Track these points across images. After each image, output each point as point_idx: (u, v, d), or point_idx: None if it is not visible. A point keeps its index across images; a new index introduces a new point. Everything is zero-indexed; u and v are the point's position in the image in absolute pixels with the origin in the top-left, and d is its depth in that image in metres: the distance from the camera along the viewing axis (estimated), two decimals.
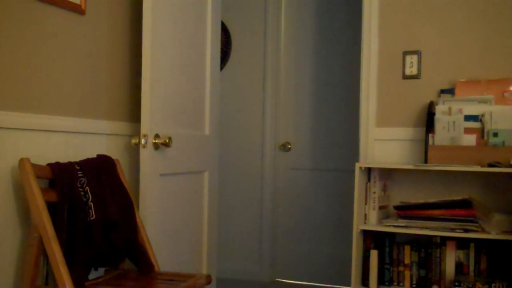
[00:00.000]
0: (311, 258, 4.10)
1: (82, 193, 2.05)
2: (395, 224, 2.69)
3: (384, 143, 3.01)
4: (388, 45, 3.02)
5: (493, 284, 2.53)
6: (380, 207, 2.83)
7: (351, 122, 3.91)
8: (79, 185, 2.05)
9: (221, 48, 3.26)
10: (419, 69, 2.95)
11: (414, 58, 2.95)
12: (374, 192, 2.79)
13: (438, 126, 2.70)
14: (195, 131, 2.84)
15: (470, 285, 2.55)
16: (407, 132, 2.96)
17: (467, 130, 2.66)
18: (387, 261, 2.79)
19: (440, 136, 2.69)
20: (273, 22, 4.19)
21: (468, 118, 2.67)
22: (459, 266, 2.67)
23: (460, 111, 2.69)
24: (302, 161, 4.16)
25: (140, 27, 2.44)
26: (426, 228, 2.63)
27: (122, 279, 2.15)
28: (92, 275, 2.12)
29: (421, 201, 2.70)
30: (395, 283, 2.79)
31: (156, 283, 2.12)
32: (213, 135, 3.02)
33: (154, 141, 2.39)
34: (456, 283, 2.58)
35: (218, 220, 3.23)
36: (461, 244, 2.67)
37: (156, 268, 2.24)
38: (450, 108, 2.71)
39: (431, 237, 2.70)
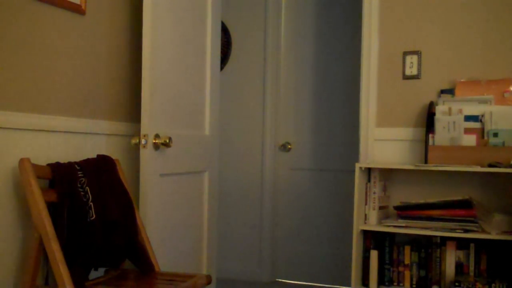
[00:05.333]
0: (311, 258, 4.10)
1: (82, 193, 2.05)
2: (395, 224, 2.69)
3: (384, 143, 3.01)
4: (388, 45, 3.02)
5: (493, 284, 2.53)
6: (380, 207, 2.83)
7: (351, 122, 3.91)
8: (79, 185, 2.05)
9: (221, 48, 3.26)
10: (419, 69, 2.95)
11: (414, 58, 2.95)
12: (374, 192, 2.79)
13: (438, 126, 2.69)
14: (195, 131, 2.84)
15: (470, 285, 2.55)
16: (407, 132, 2.96)
17: (467, 130, 2.66)
18: (387, 261, 2.79)
19: (440, 136, 2.69)
20: (273, 22, 4.18)
21: (468, 118, 2.67)
22: (459, 266, 2.67)
23: (460, 111, 2.69)
24: (302, 161, 4.16)
25: (140, 27, 2.44)
26: (426, 228, 2.63)
27: (122, 279, 2.15)
28: (92, 275, 2.12)
29: (421, 201, 2.70)
30: (395, 283, 2.79)
31: (156, 283, 2.12)
32: (213, 135, 3.02)
33: (154, 141, 2.39)
34: (456, 283, 2.58)
35: (218, 220, 3.23)
36: (461, 244, 2.66)
37: (156, 268, 2.24)
38: (450, 108, 2.71)
39: (431, 237, 2.70)
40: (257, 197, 4.20)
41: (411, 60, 2.96)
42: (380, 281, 2.79)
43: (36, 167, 1.92)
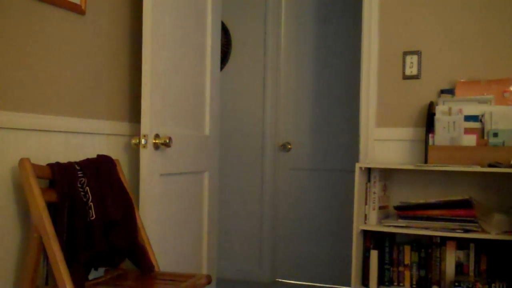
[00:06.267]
0: (311, 258, 4.10)
1: (82, 193, 2.05)
2: (395, 224, 2.69)
3: (384, 143, 3.01)
4: (388, 45, 3.02)
5: (493, 284, 2.53)
6: (380, 207, 2.83)
7: (351, 122, 3.91)
8: (79, 185, 2.05)
9: (221, 48, 3.26)
10: (419, 69, 2.95)
11: (414, 58, 2.95)
12: (374, 192, 2.79)
13: (438, 126, 2.69)
14: (195, 131, 2.84)
15: (470, 285, 2.55)
16: (407, 132, 2.96)
17: (467, 130, 2.66)
18: (387, 261, 2.79)
19: (440, 136, 2.69)
20: (273, 22, 4.19)
21: (468, 118, 2.67)
22: (459, 266, 2.67)
23: (460, 111, 2.68)
24: (302, 161, 4.16)
25: (140, 27, 2.44)
26: (426, 228, 2.63)
27: (122, 279, 2.15)
28: (92, 275, 2.12)
29: (421, 201, 2.70)
30: (395, 283, 2.78)
31: (156, 283, 2.12)
32: (213, 135, 3.02)
33: (154, 141, 2.39)
34: (456, 283, 2.58)
35: (218, 220, 3.23)
36: (461, 244, 2.66)
37: (156, 268, 2.24)
38: (450, 108, 2.71)
39: (431, 237, 2.70)
40: (257, 197, 4.20)
41: (411, 60, 2.96)
42: (380, 281, 2.79)
43: (36, 167, 1.92)
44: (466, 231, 2.55)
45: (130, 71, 2.66)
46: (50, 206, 1.92)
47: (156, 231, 2.44)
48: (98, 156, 2.27)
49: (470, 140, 2.65)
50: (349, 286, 2.77)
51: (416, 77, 2.96)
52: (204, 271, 2.93)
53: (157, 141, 2.40)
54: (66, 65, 2.25)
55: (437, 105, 2.77)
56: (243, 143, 4.25)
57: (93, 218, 2.04)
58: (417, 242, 2.76)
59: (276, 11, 4.20)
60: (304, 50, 4.15)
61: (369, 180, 2.81)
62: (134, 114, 2.66)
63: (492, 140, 2.62)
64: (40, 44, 2.11)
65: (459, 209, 2.61)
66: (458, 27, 2.89)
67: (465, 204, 2.60)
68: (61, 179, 1.99)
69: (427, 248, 2.73)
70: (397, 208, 2.75)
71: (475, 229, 2.56)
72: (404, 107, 2.98)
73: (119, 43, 2.59)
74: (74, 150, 2.28)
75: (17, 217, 2.00)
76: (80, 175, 2.08)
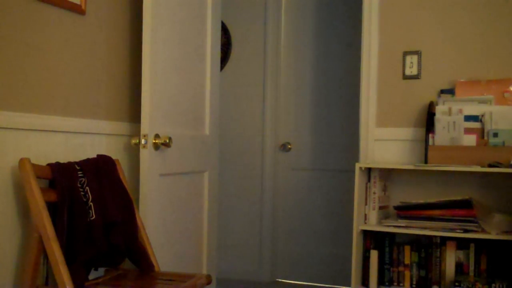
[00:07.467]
0: (311, 258, 4.10)
1: (82, 193, 2.05)
2: (395, 224, 2.69)
3: (384, 143, 3.01)
4: (388, 45, 3.02)
5: (493, 284, 2.53)
6: (380, 207, 2.83)
7: (351, 122, 3.90)
8: (79, 185, 2.05)
9: (221, 48, 3.26)
10: (419, 69, 2.95)
11: (414, 58, 2.95)
12: (374, 192, 2.79)
13: (438, 126, 2.69)
14: (195, 131, 2.84)
15: (470, 285, 2.55)
16: (407, 132, 2.96)
17: (467, 130, 2.66)
18: (387, 261, 2.79)
19: (440, 136, 2.69)
20: (273, 22, 4.19)
21: (468, 118, 2.67)
22: (459, 266, 2.67)
23: (460, 111, 2.68)
24: (302, 161, 4.16)
25: (140, 27, 2.44)
26: (426, 228, 2.63)
27: (122, 279, 2.15)
28: (92, 275, 2.12)
29: (421, 201, 2.70)
30: (395, 283, 2.78)
31: (156, 283, 2.12)
32: (213, 135, 3.02)
33: (154, 141, 2.39)
34: (456, 283, 2.58)
35: (218, 220, 3.23)
36: (461, 244, 2.66)
37: (156, 268, 2.24)
38: (450, 108, 2.71)
39: (431, 237, 2.70)
40: (257, 197, 4.20)
41: (411, 60, 2.96)
42: (380, 281, 2.79)
43: (36, 167, 1.92)
44: (466, 231, 2.55)
45: (130, 71, 2.66)
46: (50, 206, 1.93)
47: (156, 231, 2.44)
48: (98, 156, 2.27)
49: (470, 140, 2.65)
50: (349, 286, 2.77)
51: (416, 77, 2.96)
52: (204, 271, 2.93)
53: (157, 141, 2.40)
54: (66, 65, 2.25)
55: (437, 105, 2.77)
56: (243, 143, 4.25)
57: (93, 218, 2.04)
58: (417, 242, 2.76)
59: (276, 11, 4.20)
60: (304, 50, 4.15)
61: (369, 180, 2.81)
62: (134, 114, 2.66)
63: (492, 140, 2.62)
64: (40, 44, 2.11)
65: (459, 209, 2.61)
66: (458, 27, 2.89)
67: (465, 204, 2.60)
68: (61, 179, 1.99)
69: (427, 248, 2.73)
70: (397, 208, 2.75)
71: (475, 229, 2.56)
72: (404, 107, 2.98)
73: (119, 43, 2.59)
74: (74, 150, 2.28)
75: (17, 217, 2.00)
76: (80, 175, 2.08)
